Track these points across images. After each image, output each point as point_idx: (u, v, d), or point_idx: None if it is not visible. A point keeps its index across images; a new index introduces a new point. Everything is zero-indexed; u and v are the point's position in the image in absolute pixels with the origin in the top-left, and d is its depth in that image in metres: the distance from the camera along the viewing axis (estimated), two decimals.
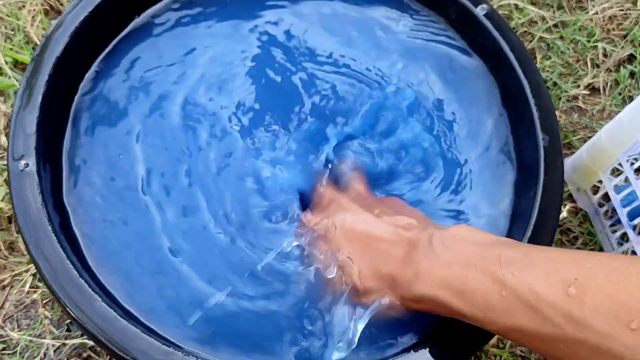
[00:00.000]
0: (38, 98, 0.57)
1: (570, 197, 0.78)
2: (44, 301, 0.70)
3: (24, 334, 0.67)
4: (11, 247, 0.72)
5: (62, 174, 0.59)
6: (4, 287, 0.71)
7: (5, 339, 0.68)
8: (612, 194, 0.70)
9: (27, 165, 0.54)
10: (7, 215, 0.72)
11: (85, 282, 0.49)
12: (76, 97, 0.62)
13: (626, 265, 0.33)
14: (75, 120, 0.61)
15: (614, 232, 0.72)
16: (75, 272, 0.50)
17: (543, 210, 0.54)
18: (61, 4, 0.84)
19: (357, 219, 0.49)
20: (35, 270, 0.70)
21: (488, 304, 0.37)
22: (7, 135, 0.75)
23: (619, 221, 0.71)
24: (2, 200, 0.71)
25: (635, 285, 0.31)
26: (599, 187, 0.76)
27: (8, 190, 0.71)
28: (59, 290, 0.49)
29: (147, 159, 0.59)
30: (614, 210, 0.72)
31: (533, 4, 0.92)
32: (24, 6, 0.83)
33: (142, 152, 0.60)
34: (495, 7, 0.74)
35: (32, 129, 0.56)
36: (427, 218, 0.52)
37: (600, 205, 0.75)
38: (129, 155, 0.59)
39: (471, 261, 0.40)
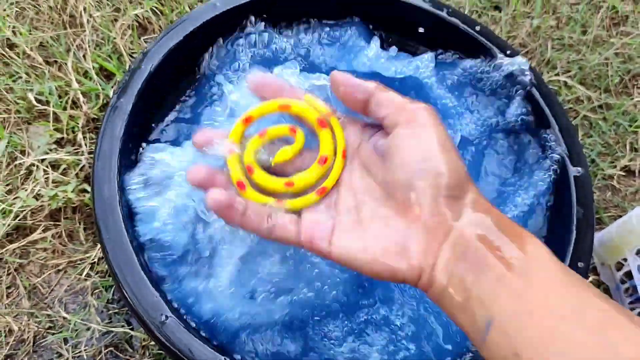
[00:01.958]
0: (128, 107, 0.64)
1: (594, 270, 0.82)
2: (94, 290, 0.76)
3: (74, 316, 0.73)
4: (71, 235, 0.79)
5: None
6: (58, 271, 0.78)
7: (53, 318, 0.74)
8: (635, 273, 0.73)
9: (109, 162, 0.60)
10: (74, 206, 0.79)
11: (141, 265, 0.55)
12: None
13: None
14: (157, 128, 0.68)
15: (633, 309, 0.75)
16: (134, 256, 0.56)
17: None
18: (150, 23, 0.92)
19: None
20: (90, 261, 0.76)
21: None
22: (83, 133, 0.83)
23: (638, 299, 0.74)
24: (72, 192, 0.78)
25: None
26: (623, 265, 0.80)
27: (78, 183, 0.78)
28: (117, 268, 0.55)
29: None
30: (634, 288, 0.75)
31: (581, 83, 0.97)
32: (117, 20, 0.91)
33: None
34: (545, 81, 0.80)
35: (120, 132, 0.63)
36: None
37: (622, 282, 0.79)
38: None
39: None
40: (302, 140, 0.43)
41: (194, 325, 0.57)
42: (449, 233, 0.36)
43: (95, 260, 0.76)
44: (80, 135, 0.83)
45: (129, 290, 0.55)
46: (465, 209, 0.36)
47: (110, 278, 0.75)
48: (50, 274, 0.77)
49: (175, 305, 0.57)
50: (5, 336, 0.73)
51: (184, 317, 0.57)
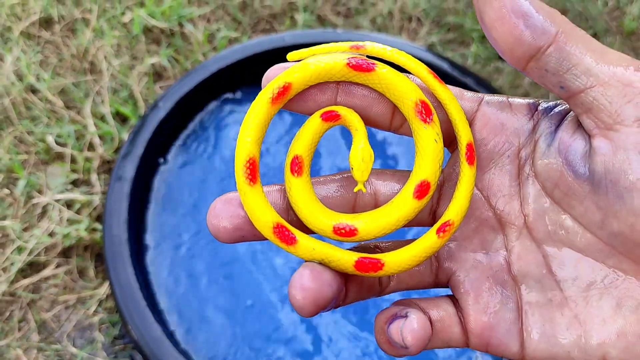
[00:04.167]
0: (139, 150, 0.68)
1: None
2: (101, 325, 0.78)
3: (81, 351, 0.76)
4: (81, 272, 0.82)
5: (147, 215, 0.69)
6: (67, 307, 0.80)
7: (61, 352, 0.77)
8: None
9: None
10: (85, 244, 0.82)
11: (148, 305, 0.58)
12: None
13: None
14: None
15: None
16: (140, 294, 0.59)
17: None
18: (165, 70, 0.97)
19: None
20: (99, 297, 0.79)
21: None
22: (98, 174, 0.87)
23: None
24: (84, 230, 0.81)
25: None
26: None
27: (90, 222, 0.81)
28: (123, 305, 0.58)
29: None
30: None
31: None
32: (134, 67, 0.96)
33: None
34: None
35: (131, 174, 0.67)
36: None
37: None
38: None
39: None
40: (363, 127, 0.24)
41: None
42: None
43: (104, 297, 0.79)
44: (94, 176, 0.87)
45: (134, 327, 0.58)
46: None
47: (117, 314, 0.78)
48: (60, 309, 0.80)
49: (180, 340, 0.60)
50: None
51: (188, 353, 0.59)
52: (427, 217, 0.26)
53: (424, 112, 0.23)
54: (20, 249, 0.81)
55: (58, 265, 0.81)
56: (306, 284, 0.21)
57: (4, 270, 0.80)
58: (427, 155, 0.23)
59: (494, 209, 0.24)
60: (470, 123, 0.24)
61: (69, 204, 0.84)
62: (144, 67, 0.96)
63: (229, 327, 0.64)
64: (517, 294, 0.24)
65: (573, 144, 0.22)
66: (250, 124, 0.22)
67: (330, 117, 0.23)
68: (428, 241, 0.23)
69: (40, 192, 0.86)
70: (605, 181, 0.21)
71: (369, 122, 0.24)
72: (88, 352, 0.76)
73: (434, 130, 0.23)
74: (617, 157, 0.20)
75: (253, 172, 0.22)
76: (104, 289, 0.79)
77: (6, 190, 0.86)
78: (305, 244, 0.22)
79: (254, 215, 0.22)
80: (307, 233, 0.23)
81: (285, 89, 0.22)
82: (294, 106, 0.24)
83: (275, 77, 0.23)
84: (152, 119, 0.72)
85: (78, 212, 0.84)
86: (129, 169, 0.66)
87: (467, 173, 0.23)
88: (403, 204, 0.23)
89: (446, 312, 0.24)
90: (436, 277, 0.25)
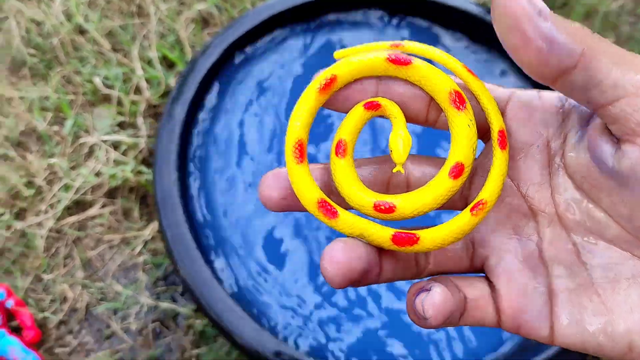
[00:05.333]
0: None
1: None
2: (145, 266, 0.79)
3: (125, 289, 0.77)
4: (126, 213, 0.83)
5: (196, 157, 0.69)
6: (111, 247, 0.82)
7: (105, 290, 0.78)
8: None
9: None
10: (130, 186, 0.83)
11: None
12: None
13: None
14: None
15: None
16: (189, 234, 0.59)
17: None
18: (212, 18, 0.96)
19: None
20: (143, 239, 0.80)
21: None
22: (144, 117, 0.87)
23: None
24: (130, 172, 0.82)
25: None
26: None
27: (136, 165, 0.82)
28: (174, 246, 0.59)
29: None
30: None
31: None
32: (181, 12, 0.95)
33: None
34: None
35: (181, 116, 0.66)
36: None
37: None
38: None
39: None
40: (402, 115, 0.26)
41: (245, 304, 0.60)
42: None
43: (149, 238, 0.80)
44: (140, 120, 0.87)
45: (183, 268, 0.58)
46: None
47: (162, 257, 0.79)
48: (104, 248, 0.81)
49: (227, 284, 0.60)
50: (60, 303, 0.78)
51: (235, 295, 0.60)
52: (460, 202, 0.27)
53: (457, 100, 0.25)
54: (67, 187, 0.82)
55: (104, 205, 0.82)
56: (336, 257, 0.23)
57: (51, 206, 0.82)
58: (461, 139, 0.25)
59: (525, 196, 0.25)
60: (502, 114, 0.25)
61: (115, 146, 0.85)
62: (191, 12, 0.95)
63: (276, 273, 0.64)
64: (547, 279, 0.24)
65: (601, 144, 0.22)
66: (300, 110, 0.25)
67: (372, 106, 0.25)
68: (463, 219, 0.24)
69: (87, 132, 0.86)
70: (632, 181, 0.21)
71: (406, 115, 0.26)
72: (132, 291, 0.77)
73: (467, 116, 0.25)
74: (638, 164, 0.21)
75: (301, 153, 0.25)
76: (149, 231, 0.80)
77: (55, 128, 0.86)
78: (346, 218, 0.24)
79: (299, 191, 0.24)
80: (347, 210, 0.25)
81: (332, 80, 0.25)
82: (340, 100, 0.26)
83: (323, 71, 0.25)
84: (202, 63, 0.71)
85: (124, 153, 0.84)
86: (179, 112, 0.66)
87: (499, 157, 0.25)
88: (439, 184, 0.24)
89: (481, 291, 0.25)
90: (471, 261, 0.26)
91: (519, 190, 0.25)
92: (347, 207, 0.25)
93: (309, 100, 0.25)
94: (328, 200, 0.24)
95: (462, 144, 0.25)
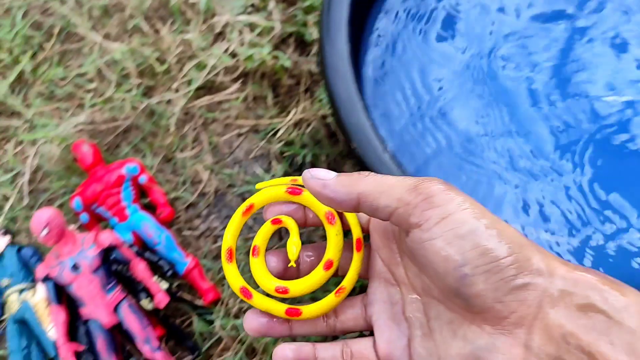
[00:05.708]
0: None
1: None
2: (277, 155, 0.75)
3: (255, 178, 0.73)
4: (258, 99, 0.78)
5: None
6: (240, 134, 0.77)
7: (234, 177, 0.74)
8: None
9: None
10: (263, 71, 0.78)
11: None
12: None
13: None
14: None
15: None
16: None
17: None
18: None
19: None
20: (276, 126, 0.75)
21: None
22: (277, 3, 0.81)
23: None
24: (267, 54, 0.76)
25: None
26: None
27: (269, 50, 0.76)
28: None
29: None
30: None
31: None
32: None
33: None
34: None
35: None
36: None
37: None
38: None
39: None
40: (296, 227, 0.36)
41: None
42: (532, 327, 0.29)
43: (281, 127, 0.75)
44: (272, 3, 0.81)
45: (358, 143, 0.54)
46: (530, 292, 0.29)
47: (295, 147, 0.74)
48: (233, 135, 0.77)
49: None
50: (191, 184, 0.74)
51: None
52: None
53: (330, 217, 0.35)
54: (199, 66, 0.77)
55: (236, 90, 0.77)
56: (250, 324, 0.36)
57: (182, 85, 0.77)
58: (331, 244, 0.35)
59: (392, 273, 0.35)
60: (367, 225, 0.36)
61: (250, 28, 0.79)
62: None
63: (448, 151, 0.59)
64: (408, 330, 0.34)
65: (408, 237, 0.31)
66: (230, 227, 0.36)
67: (276, 222, 0.36)
68: (330, 299, 0.35)
69: (214, 14, 0.81)
70: (417, 255, 0.32)
71: (300, 223, 0.37)
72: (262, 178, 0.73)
73: (336, 228, 0.35)
74: (424, 244, 0.30)
75: (230, 256, 0.36)
76: (283, 120, 0.75)
77: (190, 1, 0.81)
78: (257, 298, 0.35)
79: (229, 281, 0.36)
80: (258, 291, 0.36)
81: (251, 206, 0.37)
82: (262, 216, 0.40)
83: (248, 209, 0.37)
84: None
85: (259, 35, 0.79)
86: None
87: (356, 257, 0.36)
88: (317, 274, 0.35)
89: (365, 345, 0.35)
90: (365, 321, 0.36)
91: (388, 268, 0.35)
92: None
93: (235, 220, 0.36)
94: (247, 286, 0.35)
95: (332, 246, 0.35)
